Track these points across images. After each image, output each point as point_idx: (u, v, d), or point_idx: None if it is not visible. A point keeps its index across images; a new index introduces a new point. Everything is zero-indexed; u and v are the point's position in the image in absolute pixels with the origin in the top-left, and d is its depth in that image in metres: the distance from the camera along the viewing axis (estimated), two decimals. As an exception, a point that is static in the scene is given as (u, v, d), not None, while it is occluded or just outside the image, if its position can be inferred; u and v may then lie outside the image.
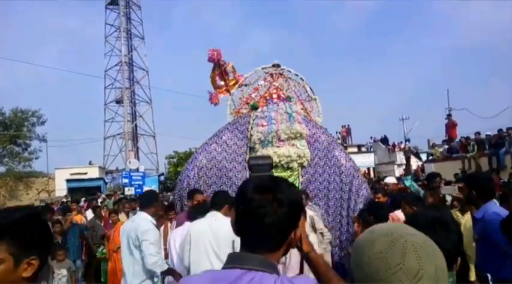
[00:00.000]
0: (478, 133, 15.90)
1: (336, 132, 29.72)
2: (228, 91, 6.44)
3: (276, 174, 5.24)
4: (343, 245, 5.27)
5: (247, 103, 6.36)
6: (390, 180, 7.45)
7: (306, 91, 6.49)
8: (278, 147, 5.55)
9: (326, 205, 5.47)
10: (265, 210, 1.07)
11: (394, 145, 27.86)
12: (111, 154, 34.44)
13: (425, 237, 0.88)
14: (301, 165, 5.58)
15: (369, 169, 26.13)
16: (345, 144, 27.82)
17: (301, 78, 6.51)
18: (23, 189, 26.65)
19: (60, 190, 24.60)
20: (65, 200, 17.27)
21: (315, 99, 6.49)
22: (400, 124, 29.31)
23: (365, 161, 26.03)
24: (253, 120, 5.88)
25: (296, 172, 5.57)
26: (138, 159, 28.94)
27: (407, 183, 5.42)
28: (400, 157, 26.36)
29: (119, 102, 34.47)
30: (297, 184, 5.39)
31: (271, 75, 6.45)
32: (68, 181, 24.40)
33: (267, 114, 5.80)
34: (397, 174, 21.74)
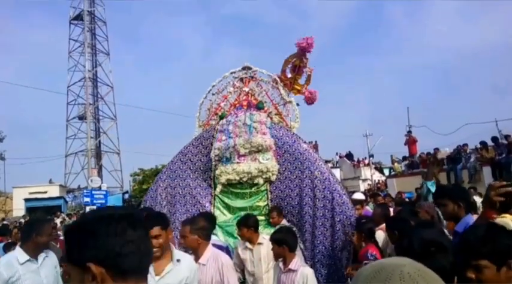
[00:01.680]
0: (436, 149, 16.56)
1: (303, 148, 30.08)
2: (288, 85, 5.93)
3: (241, 191, 5.11)
4: (331, 270, 4.73)
5: (216, 114, 5.86)
6: (357, 196, 7.55)
7: (280, 94, 5.89)
8: (238, 163, 5.10)
9: (299, 223, 4.89)
10: None
11: (359, 161, 28.50)
12: (73, 172, 33.37)
13: (419, 264, 0.83)
14: (269, 180, 5.08)
15: (334, 184, 26.49)
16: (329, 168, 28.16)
17: (274, 80, 5.94)
18: (-23, 209, 25.25)
19: (18, 209, 23.48)
20: (22, 220, 16.48)
21: (290, 102, 5.89)
22: (364, 141, 30.08)
23: (331, 177, 26.40)
24: (216, 133, 5.45)
25: (263, 188, 5.12)
26: (102, 177, 28.12)
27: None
28: (365, 173, 26.98)
29: (81, 118, 33.60)
30: (265, 202, 5.07)
31: (241, 79, 5.93)
32: (26, 200, 23.34)
33: (226, 127, 5.34)
34: (362, 189, 22.21)
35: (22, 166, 44.34)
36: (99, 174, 28.98)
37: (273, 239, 3.49)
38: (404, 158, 19.49)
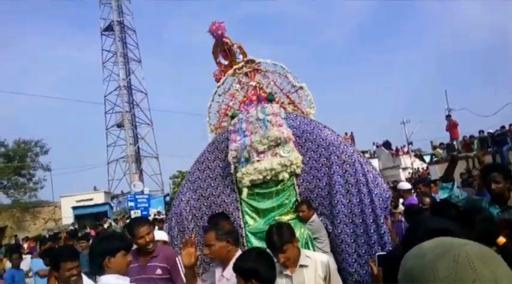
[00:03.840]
0: (481, 131, 15.91)
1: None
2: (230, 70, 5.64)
3: (268, 191, 4.82)
4: (362, 260, 4.31)
5: (227, 115, 5.51)
6: (404, 185, 7.22)
7: (290, 81, 5.50)
8: (258, 161, 4.77)
9: (331, 215, 4.56)
10: None
11: (397, 149, 27.81)
12: (116, 178, 34.49)
13: (479, 245, 0.83)
14: (294, 173, 4.75)
15: (374, 174, 26.04)
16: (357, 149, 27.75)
17: (281, 67, 5.53)
18: (29, 219, 26.63)
19: (67, 217, 24.57)
20: (72, 227, 17.26)
21: (301, 87, 5.47)
22: (402, 128, 29.31)
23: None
24: (230, 134, 5.11)
25: (290, 183, 4.80)
26: (143, 181, 28.93)
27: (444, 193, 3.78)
28: (404, 161, 26.31)
29: (120, 126, 34.67)
30: (294, 197, 4.77)
31: (246, 74, 5.57)
32: (74, 208, 24.37)
33: (238, 126, 5.01)
34: (403, 178, 21.67)
35: (67, 176, 46.33)
36: (141, 179, 29.83)
37: (237, 269, 2.33)
38: (442, 144, 18.86)
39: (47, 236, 13.80)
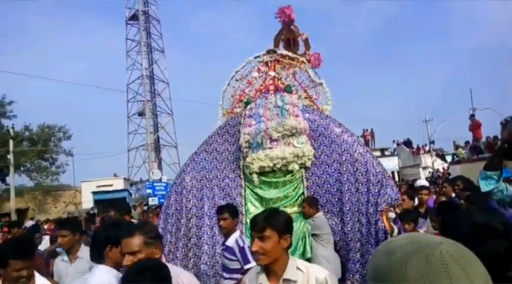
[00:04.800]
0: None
1: (359, 136, 29.40)
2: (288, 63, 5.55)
3: (275, 180, 4.75)
4: (364, 260, 4.26)
5: (241, 101, 5.47)
6: (420, 182, 7.26)
7: (309, 76, 5.48)
8: (270, 148, 4.70)
9: (341, 212, 4.50)
10: None
11: (418, 148, 27.33)
12: (135, 166, 35.03)
13: (456, 244, 0.75)
14: (304, 166, 4.73)
15: (393, 172, 25.68)
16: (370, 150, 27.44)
17: (302, 61, 5.54)
18: (51, 202, 27.34)
19: (87, 202, 25.12)
20: (91, 212, 17.65)
21: (321, 84, 5.45)
22: (424, 126, 28.74)
23: (389, 164, 25.57)
24: (243, 119, 5.05)
25: (299, 175, 4.75)
26: (161, 170, 29.28)
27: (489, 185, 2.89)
28: (425, 160, 25.84)
29: (141, 114, 35.10)
30: (301, 190, 4.73)
31: (266, 63, 5.51)
32: (94, 193, 24.89)
33: (255, 111, 4.95)
34: (423, 177, 21.29)
35: (88, 162, 47.30)
36: (159, 167, 30.21)
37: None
38: (467, 143, 18.42)
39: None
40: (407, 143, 27.91)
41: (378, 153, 27.10)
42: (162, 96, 36.07)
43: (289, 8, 5.47)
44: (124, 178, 28.85)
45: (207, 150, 5.18)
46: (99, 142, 61.34)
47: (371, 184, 4.45)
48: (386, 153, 28.50)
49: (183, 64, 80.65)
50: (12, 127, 23.99)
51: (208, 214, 4.78)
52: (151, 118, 34.83)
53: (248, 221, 4.65)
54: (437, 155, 27.08)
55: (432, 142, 27.48)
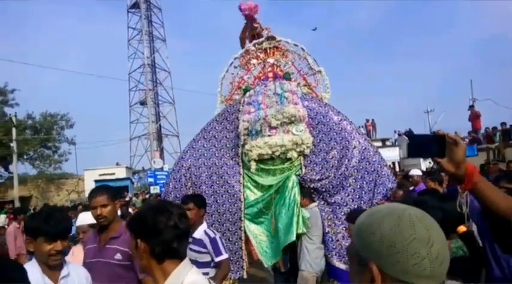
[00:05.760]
0: (503, 123, 15.52)
1: (360, 127, 29.42)
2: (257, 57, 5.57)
3: (273, 167, 4.76)
4: None
5: (240, 88, 5.45)
6: (415, 172, 7.35)
7: (308, 64, 5.44)
8: (269, 136, 4.69)
9: (336, 199, 4.54)
10: None
11: (419, 139, 27.31)
12: (137, 155, 35.23)
13: (421, 210, 0.97)
14: (302, 154, 4.71)
15: (394, 163, 25.72)
16: (368, 138, 27.44)
17: (301, 49, 5.49)
18: (54, 190, 27.57)
19: (89, 190, 25.28)
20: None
21: (320, 71, 5.42)
22: (425, 117, 28.73)
23: (390, 155, 25.56)
24: (242, 106, 5.04)
25: (297, 163, 4.74)
26: (163, 159, 29.44)
27: None
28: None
29: (143, 103, 35.19)
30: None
31: (265, 50, 5.49)
32: (96, 181, 25.03)
33: (254, 98, 4.93)
34: (423, 168, 21.36)
35: (91, 150, 47.53)
36: (161, 156, 30.36)
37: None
38: (469, 133, 18.45)
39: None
40: (409, 133, 27.90)
41: (379, 144, 27.12)
42: (163, 85, 36.13)
43: (247, 3, 5.45)
44: (126, 167, 29.00)
45: (205, 137, 5.18)
46: (101, 131, 61.46)
47: (366, 172, 4.52)
48: (388, 143, 28.52)
49: (185, 53, 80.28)
50: (15, 116, 24.13)
51: (207, 201, 4.78)
52: (153, 107, 34.90)
53: (246, 207, 4.74)
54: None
55: (433, 132, 27.46)
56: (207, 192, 4.83)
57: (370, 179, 4.49)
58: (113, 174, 26.45)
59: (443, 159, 1.45)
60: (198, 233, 3.45)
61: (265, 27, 5.66)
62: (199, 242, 3.40)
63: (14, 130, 22.60)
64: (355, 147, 4.61)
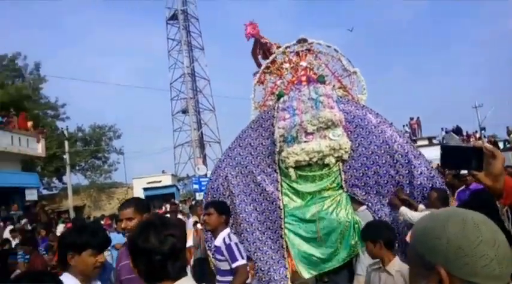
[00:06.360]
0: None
1: (404, 125, 28.58)
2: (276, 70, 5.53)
3: (311, 174, 4.68)
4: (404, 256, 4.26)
5: (273, 94, 5.37)
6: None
7: (343, 65, 5.29)
8: (306, 142, 4.59)
9: (380, 205, 4.40)
10: None
11: (468, 135, 26.16)
12: (181, 162, 36.06)
13: (480, 213, 0.98)
14: (341, 159, 4.60)
15: (442, 162, 24.75)
16: (414, 138, 26.64)
17: (334, 50, 5.34)
18: (105, 199, 28.78)
19: (138, 198, 26.21)
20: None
21: (355, 72, 5.25)
22: (474, 113, 27.49)
23: (438, 154, 24.63)
24: (277, 112, 4.95)
25: (336, 169, 4.64)
26: (206, 165, 29.96)
27: None
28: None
29: (184, 111, 36.02)
30: (338, 183, 4.62)
31: (297, 53, 5.38)
32: (144, 189, 25.94)
33: (289, 104, 4.84)
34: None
35: (137, 159, 49.32)
36: (204, 163, 30.87)
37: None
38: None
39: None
40: (457, 130, 26.76)
41: (426, 142, 26.19)
42: (203, 93, 36.82)
43: (248, 24, 5.49)
44: (172, 174, 29.78)
45: (241, 145, 5.12)
46: (146, 140, 63.66)
47: (412, 177, 4.32)
48: (435, 141, 27.45)
49: (223, 60, 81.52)
50: (67, 129, 25.48)
51: (246, 210, 4.76)
52: (195, 115, 35.64)
53: (288, 215, 4.66)
54: (489, 142, 25.76)
55: (483, 128, 26.22)
56: (245, 200, 4.79)
57: (418, 183, 4.30)
58: (160, 181, 27.25)
59: (481, 172, 1.38)
60: (218, 240, 3.41)
61: (274, 43, 5.61)
62: (218, 250, 3.37)
63: (66, 143, 23.84)
64: (396, 151, 4.44)
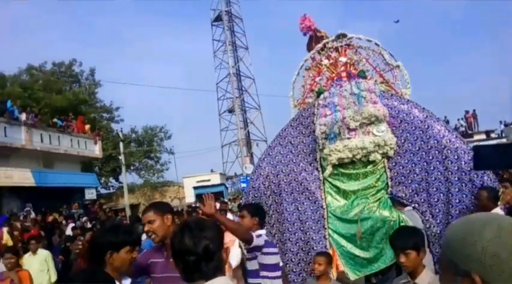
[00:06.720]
0: None
1: (458, 119, 27.27)
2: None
3: (354, 171, 4.58)
4: None
5: (312, 91, 5.26)
6: None
7: (384, 59, 5.11)
8: (349, 138, 4.48)
9: (427, 203, 4.22)
10: None
11: (530, 128, 24.51)
12: (229, 161, 36.67)
13: None
14: (386, 155, 4.45)
15: (501, 156, 23.37)
16: (470, 132, 25.38)
17: (375, 44, 5.18)
18: (158, 197, 29.89)
19: (189, 196, 27.08)
20: (193, 205, 19.07)
21: (398, 66, 5.06)
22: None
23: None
24: (317, 109, 4.84)
25: (381, 166, 4.49)
26: (253, 164, 30.24)
27: None
28: (541, 140, 23.07)
29: (231, 111, 36.56)
30: (385, 181, 4.48)
31: (337, 49, 5.24)
32: (195, 188, 26.70)
33: (330, 100, 4.71)
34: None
35: (187, 158, 50.85)
36: (251, 161, 31.17)
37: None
38: None
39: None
40: (518, 123, 25.14)
41: (483, 136, 24.84)
42: (249, 92, 37.16)
43: (307, 17, 5.36)
44: (220, 173, 30.42)
45: (281, 143, 5.04)
46: (195, 140, 65.38)
47: (463, 173, 4.14)
48: (493, 135, 25.98)
49: (267, 58, 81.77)
50: (121, 131, 26.75)
51: (288, 209, 4.69)
52: (241, 114, 36.08)
53: (331, 215, 4.59)
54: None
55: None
56: (287, 199, 4.73)
57: (468, 179, 4.13)
58: (209, 180, 27.94)
59: None
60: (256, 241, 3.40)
61: (327, 34, 5.49)
62: (266, 244, 3.37)
63: (121, 145, 25.02)
64: (445, 147, 4.26)
